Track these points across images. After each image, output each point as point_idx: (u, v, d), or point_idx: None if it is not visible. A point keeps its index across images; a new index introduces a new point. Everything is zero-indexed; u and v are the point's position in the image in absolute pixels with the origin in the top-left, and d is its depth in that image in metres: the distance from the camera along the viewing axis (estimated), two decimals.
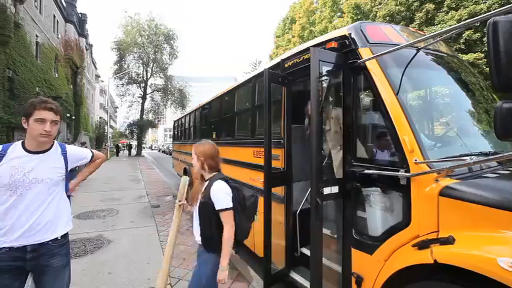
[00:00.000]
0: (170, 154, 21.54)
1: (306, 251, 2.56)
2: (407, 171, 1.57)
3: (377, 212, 1.85)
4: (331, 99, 2.31)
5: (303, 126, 3.03)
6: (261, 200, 2.66)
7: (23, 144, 1.49)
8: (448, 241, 1.34)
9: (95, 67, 37.41)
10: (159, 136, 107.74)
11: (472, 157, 1.39)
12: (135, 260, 3.34)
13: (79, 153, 1.78)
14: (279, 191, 2.72)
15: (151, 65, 26.50)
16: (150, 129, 34.88)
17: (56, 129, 1.51)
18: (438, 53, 2.31)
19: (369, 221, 1.90)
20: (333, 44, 2.08)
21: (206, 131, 5.73)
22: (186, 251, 3.61)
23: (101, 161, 1.98)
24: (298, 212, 2.61)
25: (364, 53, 1.89)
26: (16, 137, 12.16)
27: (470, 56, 10.95)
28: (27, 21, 14.22)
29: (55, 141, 1.62)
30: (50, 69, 17.60)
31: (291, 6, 25.73)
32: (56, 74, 18.91)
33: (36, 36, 15.78)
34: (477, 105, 2.28)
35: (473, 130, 2.13)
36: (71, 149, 1.72)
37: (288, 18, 25.71)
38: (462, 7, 11.31)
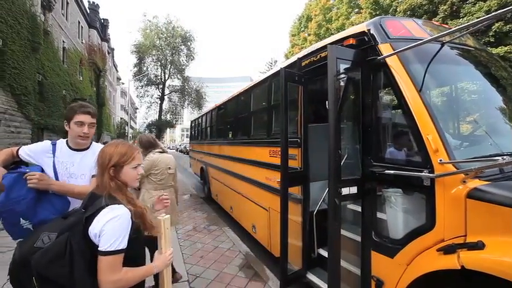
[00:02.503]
0: (187, 153, 21.99)
1: (323, 252, 2.52)
2: (431, 171, 1.49)
3: (398, 214, 1.79)
4: (350, 97, 2.25)
5: (320, 126, 2.98)
6: (277, 200, 2.65)
7: (66, 142, 1.64)
8: (477, 246, 1.26)
9: (116, 70, 38.99)
10: (177, 136, 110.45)
11: (504, 157, 1.30)
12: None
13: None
14: (295, 191, 2.69)
15: (169, 67, 27.25)
16: (168, 129, 35.81)
17: (93, 131, 1.65)
18: (465, 47, 2.18)
19: (390, 223, 1.84)
20: (351, 41, 2.02)
21: (222, 130, 5.80)
22: (203, 249, 3.67)
23: (77, 194, 1.49)
24: (315, 213, 2.58)
25: (384, 49, 1.83)
26: (45, 137, 12.95)
27: (501, 50, 10.27)
28: (55, 28, 15.10)
29: (93, 142, 1.74)
30: (75, 72, 18.56)
31: (306, 4, 25.39)
32: (81, 77, 19.91)
33: (63, 42, 16.69)
34: (509, 102, 2.13)
35: (505, 128, 1.99)
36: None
37: (303, 17, 25.39)
38: None
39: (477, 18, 9.45)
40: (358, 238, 2.01)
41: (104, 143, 1.97)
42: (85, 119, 1.57)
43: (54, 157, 1.57)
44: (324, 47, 2.34)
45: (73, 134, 1.58)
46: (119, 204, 1.10)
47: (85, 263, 1.02)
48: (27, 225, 1.33)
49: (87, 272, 1.02)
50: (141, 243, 1.18)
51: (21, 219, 1.31)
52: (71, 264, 1.00)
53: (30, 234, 1.19)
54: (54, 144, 1.59)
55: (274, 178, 3.07)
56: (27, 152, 1.58)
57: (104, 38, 27.15)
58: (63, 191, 1.46)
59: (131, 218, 1.10)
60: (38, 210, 1.35)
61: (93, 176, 1.66)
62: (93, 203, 1.11)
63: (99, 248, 1.01)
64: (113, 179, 1.16)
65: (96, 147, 1.73)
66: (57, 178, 1.53)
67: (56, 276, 1.00)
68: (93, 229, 1.03)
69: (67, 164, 1.58)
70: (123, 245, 1.04)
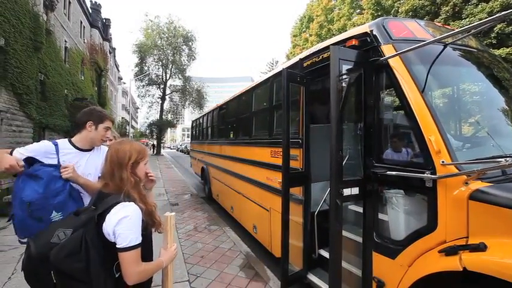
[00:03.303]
0: (187, 153, 22.01)
1: (324, 253, 2.52)
2: (434, 173, 1.49)
3: (400, 215, 1.78)
4: (352, 98, 2.25)
5: (322, 126, 2.98)
6: (278, 200, 2.65)
7: (70, 141, 1.62)
8: (479, 248, 1.26)
9: (118, 69, 39.12)
10: (178, 136, 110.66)
11: (507, 159, 1.30)
12: (155, 254, 3.45)
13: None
14: (296, 191, 2.69)
15: (170, 67, 27.22)
16: (169, 129, 35.81)
17: None
18: (467, 48, 2.18)
19: (392, 224, 1.84)
20: (354, 42, 2.02)
21: (223, 130, 5.80)
22: (204, 249, 3.67)
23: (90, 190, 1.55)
24: (316, 213, 2.58)
25: (387, 50, 1.83)
26: (47, 137, 12.99)
27: (503, 51, 10.25)
28: (57, 28, 15.14)
29: None
30: (76, 72, 18.61)
31: (308, 4, 25.42)
32: (82, 77, 19.95)
33: (65, 41, 16.75)
34: (511, 103, 2.13)
35: (507, 130, 1.99)
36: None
37: (305, 17, 25.42)
38: None
39: (479, 19, 9.43)
40: (360, 239, 2.01)
41: None
42: (111, 125, 1.75)
43: (58, 157, 1.52)
44: (326, 48, 2.34)
45: (98, 136, 1.66)
46: (129, 201, 1.12)
47: (99, 258, 1.07)
48: (56, 218, 1.36)
49: (102, 267, 1.07)
50: (148, 240, 1.22)
51: (53, 211, 1.35)
52: (87, 259, 1.05)
53: (42, 231, 1.20)
54: (56, 144, 1.55)
55: (275, 178, 3.07)
56: (24, 153, 1.43)
57: (106, 37, 27.22)
58: (86, 185, 1.53)
59: (141, 215, 1.14)
60: (68, 204, 1.41)
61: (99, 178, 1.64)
62: (103, 201, 1.13)
63: (119, 246, 1.05)
64: (131, 175, 1.19)
65: (102, 147, 1.75)
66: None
67: (73, 271, 1.04)
68: (107, 226, 1.07)
69: (74, 164, 1.55)
70: (140, 239, 1.10)
